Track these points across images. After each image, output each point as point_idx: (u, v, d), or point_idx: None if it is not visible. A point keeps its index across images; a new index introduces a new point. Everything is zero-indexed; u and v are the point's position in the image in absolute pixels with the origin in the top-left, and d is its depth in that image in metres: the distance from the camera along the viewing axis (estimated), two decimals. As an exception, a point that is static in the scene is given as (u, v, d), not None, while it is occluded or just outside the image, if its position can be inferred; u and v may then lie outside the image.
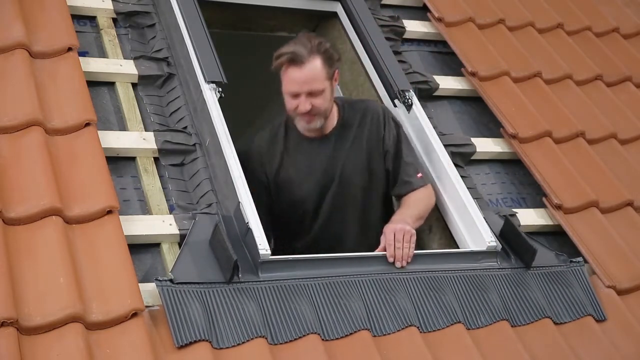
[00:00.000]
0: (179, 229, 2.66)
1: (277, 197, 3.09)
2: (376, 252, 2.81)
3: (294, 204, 3.08)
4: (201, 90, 3.03)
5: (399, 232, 2.78)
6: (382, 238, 2.84)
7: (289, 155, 3.05)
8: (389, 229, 2.82)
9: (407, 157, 3.10)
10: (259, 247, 2.59)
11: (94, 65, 3.09)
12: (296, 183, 3.04)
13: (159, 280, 2.44)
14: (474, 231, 3.00)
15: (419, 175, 3.09)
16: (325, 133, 3.05)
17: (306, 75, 2.84)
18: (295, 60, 2.83)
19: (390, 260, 2.77)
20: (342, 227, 3.11)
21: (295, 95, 2.89)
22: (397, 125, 3.15)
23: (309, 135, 3.05)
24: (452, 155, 3.29)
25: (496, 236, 2.98)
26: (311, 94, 2.88)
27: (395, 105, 3.42)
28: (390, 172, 3.10)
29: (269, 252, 2.60)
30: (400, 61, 3.62)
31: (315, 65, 2.85)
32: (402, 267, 2.77)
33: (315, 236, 3.11)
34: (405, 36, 3.86)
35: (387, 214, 3.10)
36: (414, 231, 2.82)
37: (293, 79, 2.85)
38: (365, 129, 3.08)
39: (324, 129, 3.03)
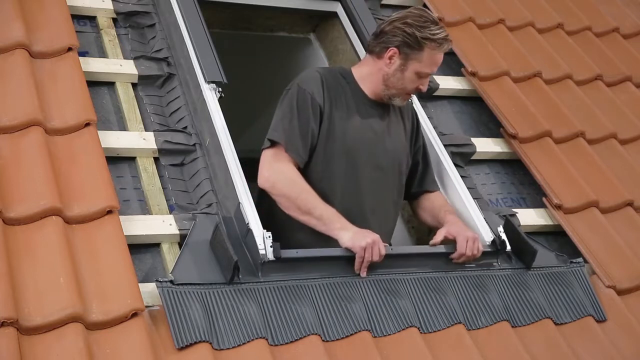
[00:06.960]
0: (179, 229, 2.66)
1: (325, 138, 2.86)
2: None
3: (341, 154, 2.85)
4: (201, 90, 3.03)
5: (471, 239, 2.83)
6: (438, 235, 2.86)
7: (347, 103, 2.89)
8: (461, 237, 2.83)
9: (430, 155, 3.11)
10: (259, 247, 2.58)
11: (94, 65, 3.09)
12: (349, 131, 2.85)
13: (160, 281, 2.44)
14: (474, 231, 2.99)
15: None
16: (381, 101, 2.95)
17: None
18: (445, 47, 2.83)
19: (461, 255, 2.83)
20: (380, 195, 2.93)
21: (422, 76, 2.86)
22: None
23: (370, 96, 2.93)
24: (452, 155, 3.29)
25: (496, 236, 2.98)
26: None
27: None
28: (418, 166, 3.06)
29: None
30: (400, 61, 3.62)
31: None
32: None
33: (360, 196, 2.88)
34: (405, 36, 3.85)
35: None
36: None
37: (436, 62, 2.84)
38: (405, 114, 3.03)
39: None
